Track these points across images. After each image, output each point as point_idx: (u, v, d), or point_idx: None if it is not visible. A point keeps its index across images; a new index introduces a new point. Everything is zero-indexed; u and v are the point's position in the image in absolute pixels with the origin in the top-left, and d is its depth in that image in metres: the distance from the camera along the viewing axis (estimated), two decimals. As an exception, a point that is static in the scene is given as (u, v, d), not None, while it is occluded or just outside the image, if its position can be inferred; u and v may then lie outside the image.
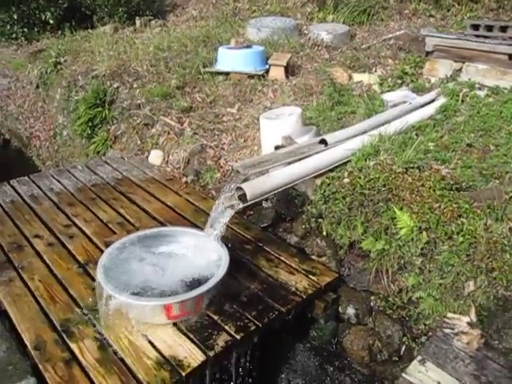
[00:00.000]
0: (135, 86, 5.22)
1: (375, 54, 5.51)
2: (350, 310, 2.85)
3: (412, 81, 4.85)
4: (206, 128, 4.43)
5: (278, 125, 3.64)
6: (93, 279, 2.68)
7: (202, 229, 3.18)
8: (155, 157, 4.38)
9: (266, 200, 3.53)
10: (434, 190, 2.62)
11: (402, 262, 2.59)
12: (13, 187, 3.89)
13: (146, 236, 2.82)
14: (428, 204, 2.56)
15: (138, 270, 2.60)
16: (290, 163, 3.05)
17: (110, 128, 5.16)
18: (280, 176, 2.83)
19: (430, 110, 3.97)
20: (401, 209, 2.61)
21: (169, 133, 4.47)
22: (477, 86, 4.31)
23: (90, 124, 5.23)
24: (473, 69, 4.51)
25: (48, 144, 6.48)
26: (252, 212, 3.53)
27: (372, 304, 2.83)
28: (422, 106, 4.10)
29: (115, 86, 5.29)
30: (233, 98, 4.94)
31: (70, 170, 4.24)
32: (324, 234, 2.99)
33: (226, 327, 2.39)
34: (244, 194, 2.64)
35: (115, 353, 2.24)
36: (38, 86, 6.80)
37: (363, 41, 6.04)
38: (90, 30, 7.55)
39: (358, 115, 4.23)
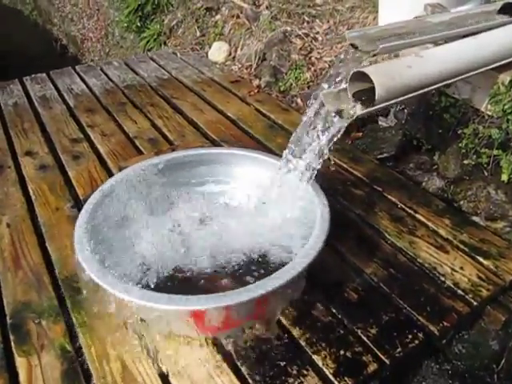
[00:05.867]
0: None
1: None
2: (552, 328, 1.49)
3: None
4: (293, 12, 3.02)
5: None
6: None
7: (278, 155, 1.91)
8: (218, 51, 3.07)
9: (387, 114, 2.15)
10: None
11: None
12: (23, 86, 2.82)
13: (179, 161, 1.59)
14: None
15: (153, 231, 1.41)
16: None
17: (165, 19, 3.90)
18: (439, 59, 1.42)
19: None
20: None
21: (238, 17, 3.11)
22: None
23: (140, 14, 4.00)
24: None
25: (99, 46, 5.39)
26: (361, 134, 2.17)
27: None
28: None
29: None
30: (334, -27, 3.44)
31: (102, 67, 3.07)
32: (504, 179, 1.60)
33: (317, 359, 1.15)
34: (367, 90, 1.30)
35: (92, 391, 1.12)
36: (90, -25, 5.64)
37: None
38: None
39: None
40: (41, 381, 1.14)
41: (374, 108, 1.29)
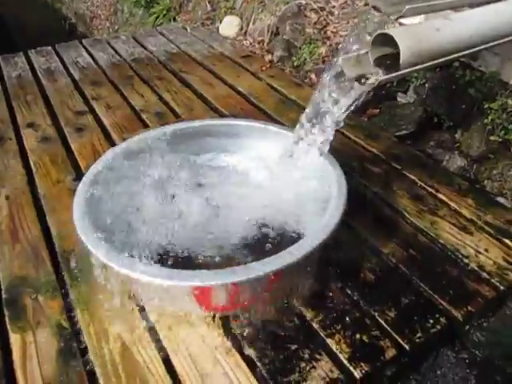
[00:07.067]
0: None
1: None
2: None
3: None
4: (307, -14, 2.88)
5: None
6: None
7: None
8: (229, 25, 2.96)
9: (406, 90, 2.03)
10: None
11: None
12: (28, 59, 2.73)
13: (186, 132, 1.50)
14: None
15: (157, 201, 1.33)
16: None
17: (175, -7, 3.78)
18: (471, 22, 1.31)
19: None
20: None
21: (250, -11, 2.99)
22: None
23: (149, -12, 3.90)
24: None
25: (108, 24, 5.28)
26: (378, 110, 2.06)
27: None
28: None
29: None
30: None
31: (109, 41, 2.97)
32: (533, 156, 1.49)
33: (331, 343, 1.07)
34: (391, 56, 1.20)
35: (89, 371, 1.05)
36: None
37: None
38: None
39: None
40: (35, 359, 1.07)
41: (397, 74, 1.18)
